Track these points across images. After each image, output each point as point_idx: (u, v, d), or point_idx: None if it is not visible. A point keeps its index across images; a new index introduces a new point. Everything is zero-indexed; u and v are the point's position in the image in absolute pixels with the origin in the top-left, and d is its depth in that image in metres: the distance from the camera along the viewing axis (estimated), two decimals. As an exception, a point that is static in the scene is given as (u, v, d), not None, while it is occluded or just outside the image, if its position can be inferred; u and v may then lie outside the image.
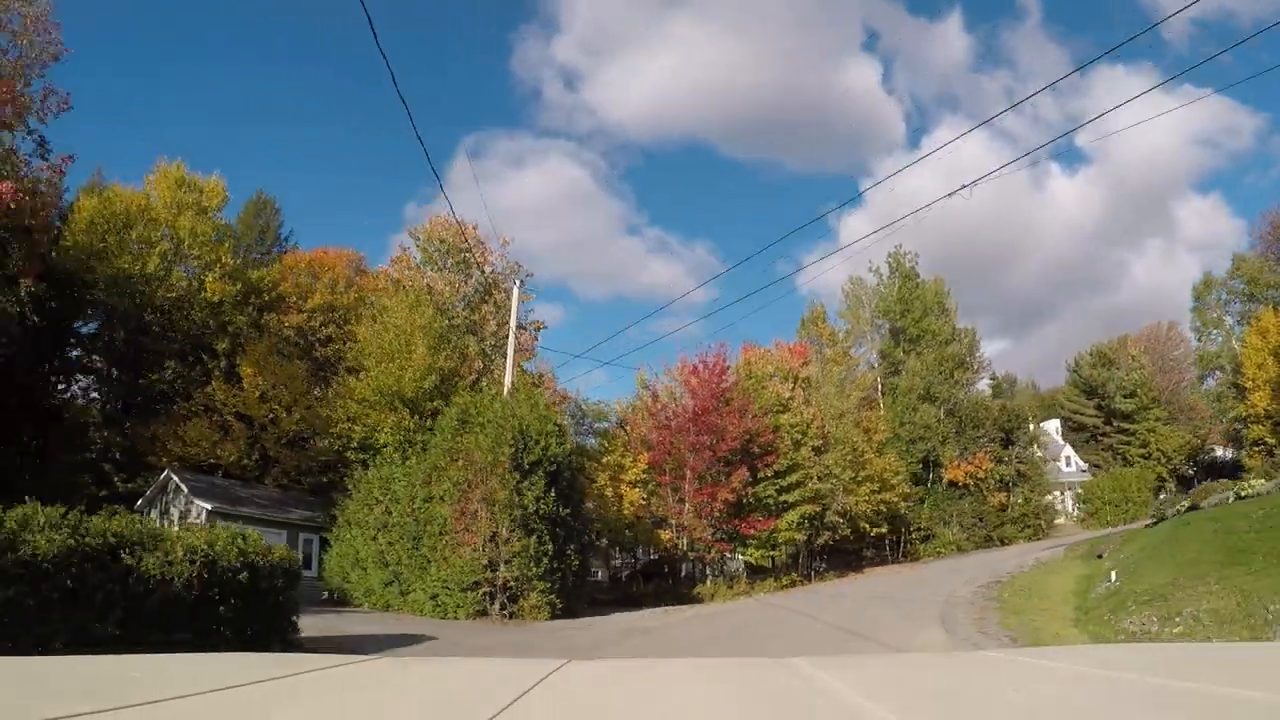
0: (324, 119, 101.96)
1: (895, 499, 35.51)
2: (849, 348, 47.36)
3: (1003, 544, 40.70)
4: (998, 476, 42.55)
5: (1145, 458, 56.80)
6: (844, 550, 38.19)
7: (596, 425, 40.26)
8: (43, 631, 8.86)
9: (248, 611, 11.46)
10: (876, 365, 51.96)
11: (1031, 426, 49.68)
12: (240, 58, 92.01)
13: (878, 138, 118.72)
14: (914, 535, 41.99)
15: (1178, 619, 12.12)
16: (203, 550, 10.80)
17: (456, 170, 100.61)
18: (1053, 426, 61.70)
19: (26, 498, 9.69)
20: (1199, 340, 50.14)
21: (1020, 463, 44.03)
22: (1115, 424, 61.61)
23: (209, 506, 23.09)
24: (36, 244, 23.07)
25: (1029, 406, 74.71)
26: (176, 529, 12.35)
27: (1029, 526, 42.80)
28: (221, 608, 11.01)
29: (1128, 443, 59.40)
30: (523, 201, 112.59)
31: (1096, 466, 59.08)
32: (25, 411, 26.39)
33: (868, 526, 34.40)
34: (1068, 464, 56.79)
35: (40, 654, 7.71)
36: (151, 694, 1.89)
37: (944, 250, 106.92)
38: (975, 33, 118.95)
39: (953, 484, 42.66)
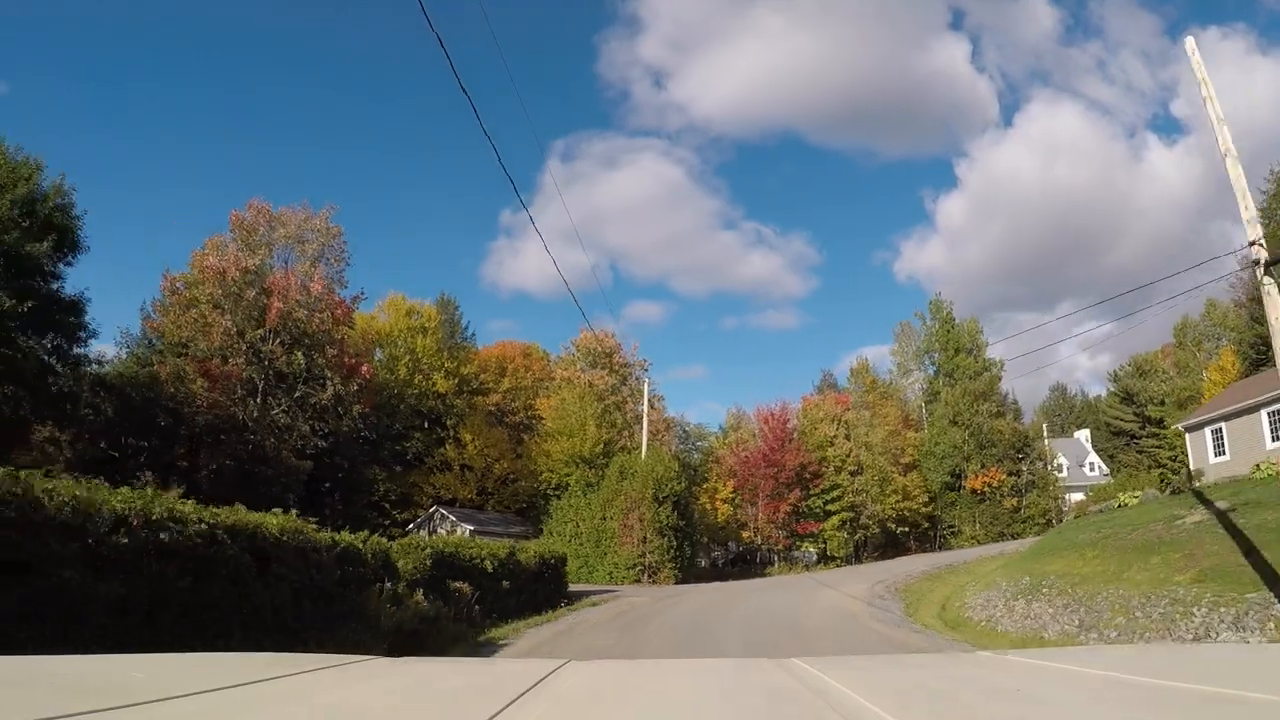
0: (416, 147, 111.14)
1: (917, 506, 48.65)
2: (889, 391, 60.31)
3: (1014, 538, 52.57)
4: (1010, 485, 54.65)
5: (1173, 459, 66.47)
6: (895, 543, 51.46)
7: (699, 444, 55.42)
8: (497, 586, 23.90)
9: (551, 578, 26.39)
10: (922, 393, 64.72)
11: (1047, 442, 61.07)
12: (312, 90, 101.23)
13: (971, 117, 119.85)
14: (946, 531, 54.75)
15: (981, 583, 25.35)
16: (540, 553, 25.82)
17: (550, 178, 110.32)
18: (1083, 435, 72.22)
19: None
20: (1178, 375, 59.91)
21: (1030, 474, 55.93)
22: (1149, 429, 71.14)
23: (471, 528, 38.78)
24: (369, 390, 39.25)
25: (1077, 412, 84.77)
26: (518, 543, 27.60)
27: (1038, 524, 54.60)
28: (545, 575, 25.93)
29: (1159, 447, 68.86)
30: (618, 201, 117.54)
31: (1133, 469, 69.07)
32: (346, 477, 42.90)
33: (894, 526, 47.69)
34: (1091, 469, 67.47)
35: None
36: (153, 693, 1.90)
37: (1039, 230, 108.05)
38: (1062, 2, 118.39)
39: (974, 491, 54.99)
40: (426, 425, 46.61)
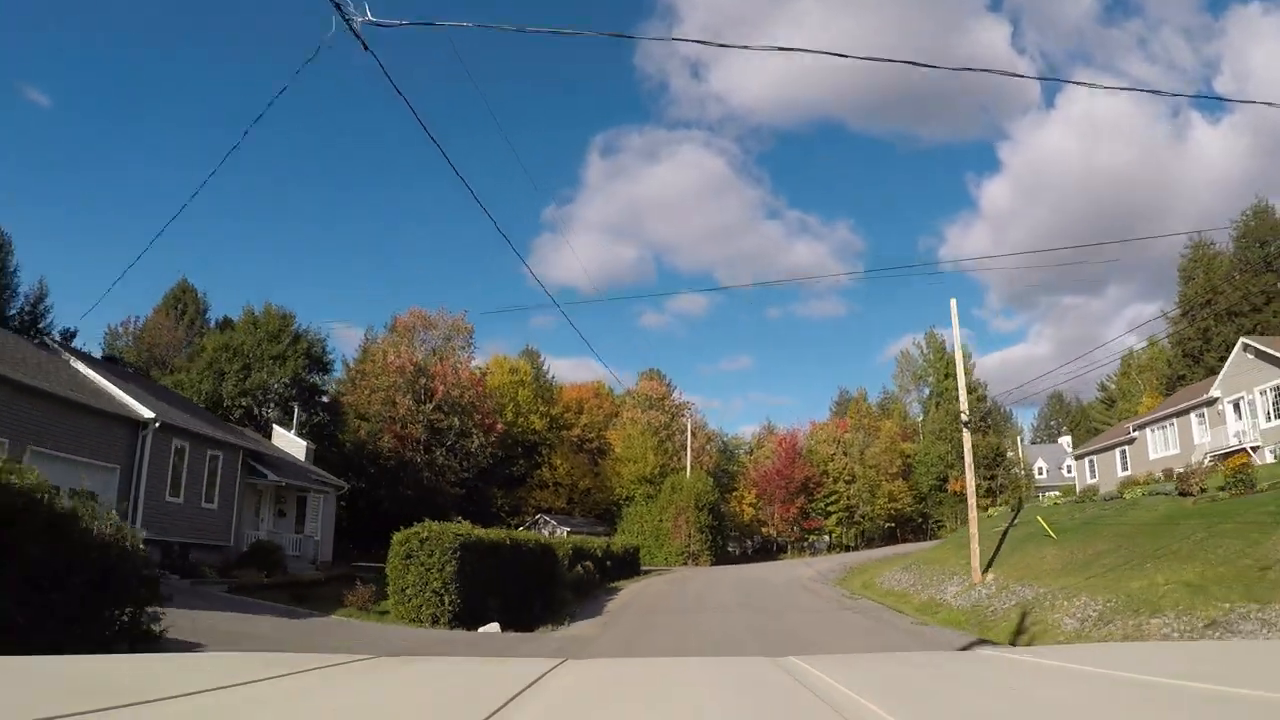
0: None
1: (902, 506, 63.23)
2: (890, 408, 74.78)
3: (985, 529, 66.68)
4: (984, 489, 68.58)
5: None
6: (892, 536, 66.02)
7: (735, 452, 70.92)
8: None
9: (631, 560, 41.92)
10: (919, 411, 78.94)
11: (1021, 452, 74.68)
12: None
13: (1012, 99, 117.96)
14: (934, 525, 69.13)
15: (900, 564, 39.89)
16: (626, 545, 41.41)
17: (592, 170, 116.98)
18: (1066, 441, 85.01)
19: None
20: (1120, 400, 72.59)
21: (1004, 479, 69.80)
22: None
23: (567, 529, 54.54)
24: (499, 438, 55.39)
25: (1071, 416, 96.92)
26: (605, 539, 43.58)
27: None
28: (627, 559, 41.38)
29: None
30: (659, 193, 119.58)
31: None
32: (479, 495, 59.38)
33: (884, 523, 62.39)
34: (1069, 471, 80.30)
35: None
36: (149, 694, 1.91)
37: (1082, 213, 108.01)
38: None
39: (955, 493, 69.00)
40: (524, 452, 62.88)
